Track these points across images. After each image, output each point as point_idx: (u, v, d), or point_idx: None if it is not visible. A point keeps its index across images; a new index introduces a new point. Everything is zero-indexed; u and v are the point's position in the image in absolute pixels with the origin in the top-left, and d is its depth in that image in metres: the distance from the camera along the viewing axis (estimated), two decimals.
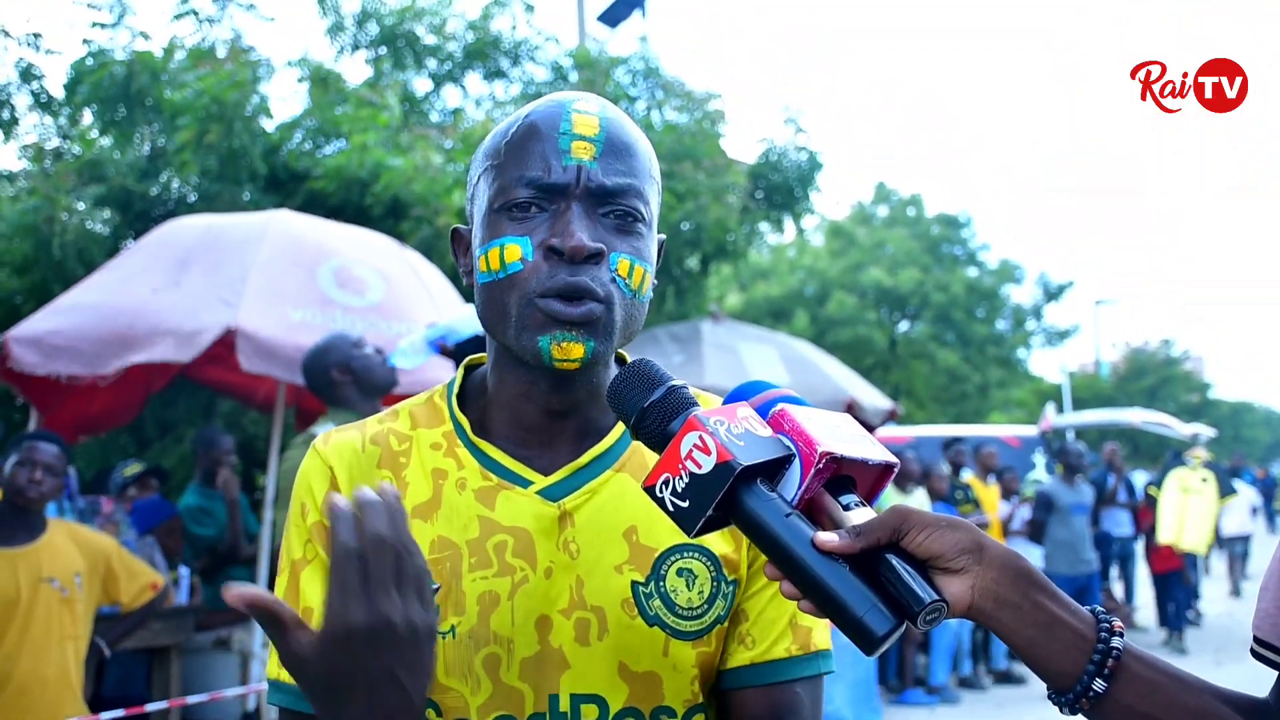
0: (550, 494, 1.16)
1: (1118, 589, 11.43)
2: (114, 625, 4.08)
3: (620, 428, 1.21)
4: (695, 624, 1.16)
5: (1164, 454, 18.07)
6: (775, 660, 1.19)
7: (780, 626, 1.19)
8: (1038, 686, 8.35)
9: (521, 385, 1.18)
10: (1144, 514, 10.67)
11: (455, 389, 1.24)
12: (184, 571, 5.35)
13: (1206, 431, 17.58)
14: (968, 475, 9.49)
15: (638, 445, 1.19)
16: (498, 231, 1.13)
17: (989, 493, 9.43)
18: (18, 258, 7.29)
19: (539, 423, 1.19)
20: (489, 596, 1.13)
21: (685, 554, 1.17)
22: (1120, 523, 10.59)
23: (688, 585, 1.16)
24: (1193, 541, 10.20)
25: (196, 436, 6.20)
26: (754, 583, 1.20)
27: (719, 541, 1.18)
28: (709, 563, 1.17)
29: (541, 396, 1.18)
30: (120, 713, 4.08)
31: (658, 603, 1.15)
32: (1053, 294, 25.43)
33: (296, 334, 4.66)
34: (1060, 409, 17.88)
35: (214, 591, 5.70)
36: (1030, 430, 14.11)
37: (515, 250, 1.12)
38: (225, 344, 4.60)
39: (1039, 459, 12.64)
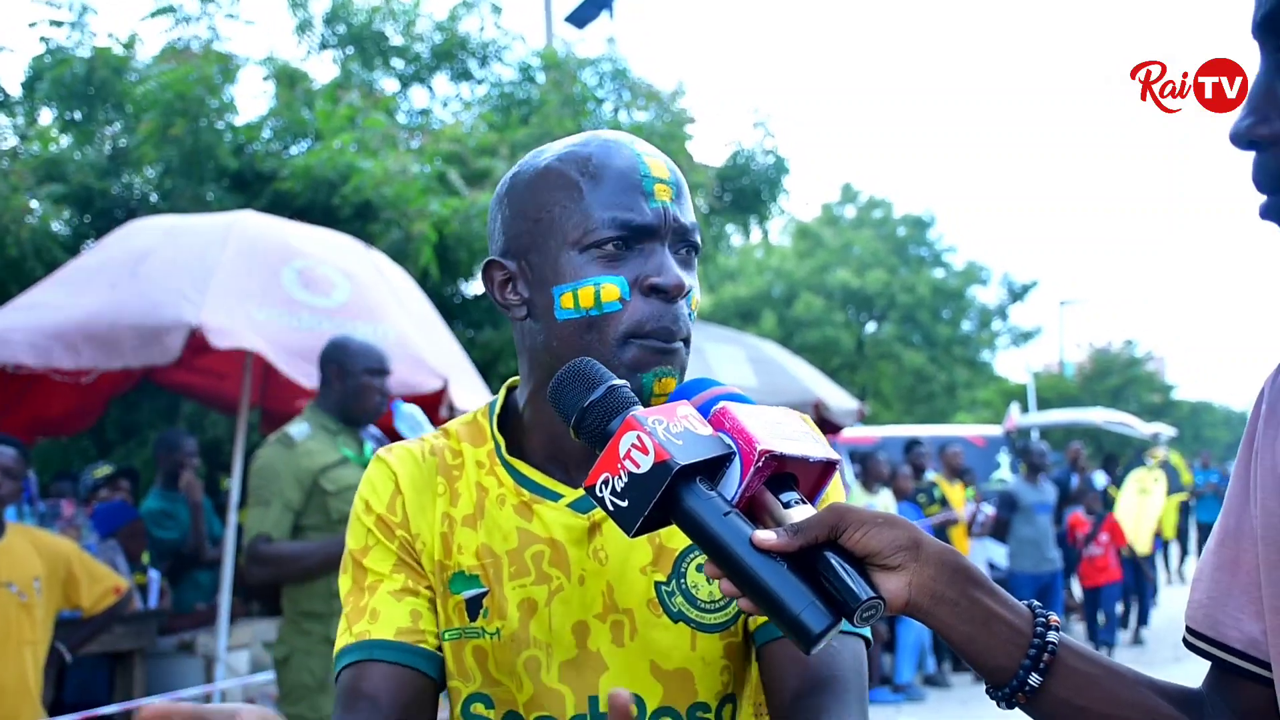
0: (579, 506, 1.21)
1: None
2: (75, 630, 4.03)
3: None
4: (719, 616, 1.20)
5: (1126, 453, 18.29)
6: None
7: None
8: None
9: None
10: (1078, 523, 9.98)
11: (497, 410, 1.30)
12: (153, 575, 5.30)
13: (1167, 431, 17.80)
14: (933, 475, 9.56)
15: None
16: (588, 271, 1.17)
17: (956, 492, 9.50)
18: None
19: (576, 449, 1.22)
20: (528, 603, 1.20)
21: None
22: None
23: (708, 580, 1.20)
24: (1142, 541, 10.38)
25: (159, 439, 6.14)
26: None
27: None
28: None
29: None
30: (77, 716, 4.03)
31: (680, 599, 1.20)
32: (1017, 294, 25.63)
33: (262, 332, 4.62)
34: (1025, 409, 18.05)
35: (178, 595, 5.66)
36: (995, 430, 14.24)
37: (613, 290, 1.16)
38: (190, 346, 4.56)
39: (1004, 458, 12.77)
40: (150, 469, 6.66)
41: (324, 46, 10.09)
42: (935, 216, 25.16)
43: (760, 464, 1.00)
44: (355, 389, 3.78)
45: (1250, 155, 0.91)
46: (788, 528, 0.99)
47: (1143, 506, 10.64)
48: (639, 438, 0.99)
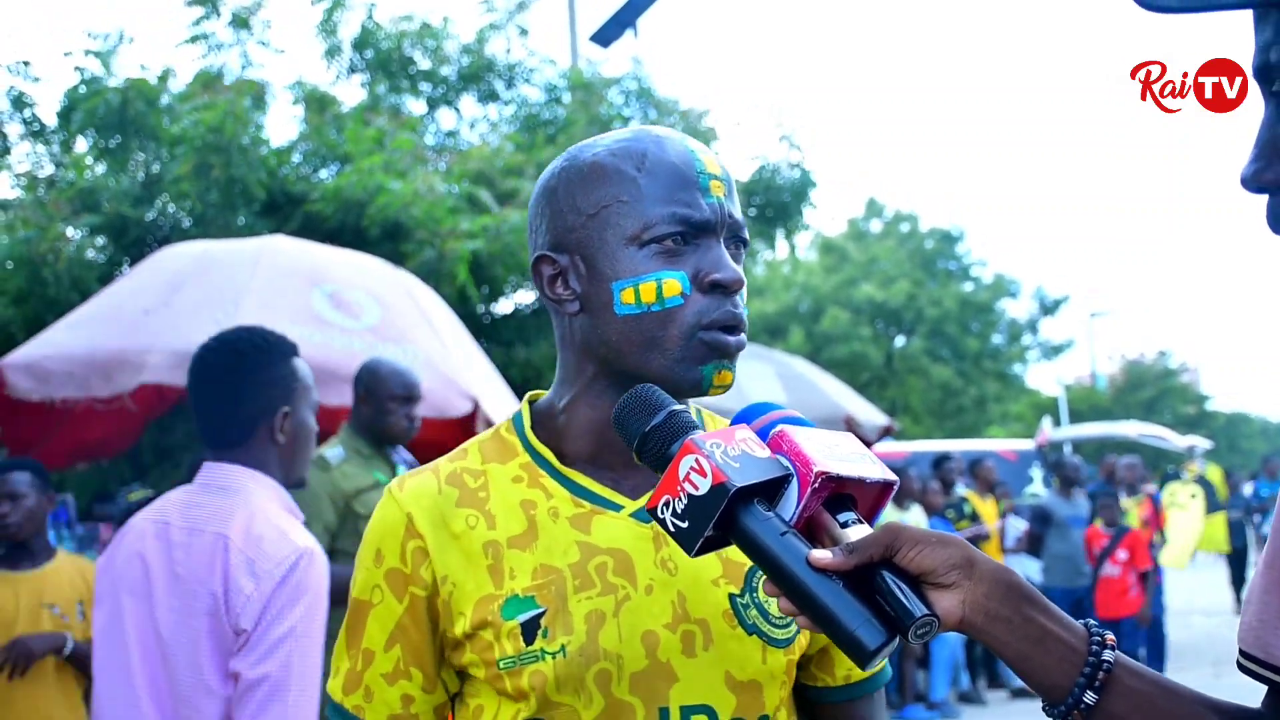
0: (642, 516, 1.21)
1: None
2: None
3: None
4: (785, 632, 1.23)
5: (1162, 466, 18.07)
6: (859, 680, 1.31)
7: None
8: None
9: None
10: (1094, 537, 8.66)
11: (527, 422, 1.29)
12: None
13: (1203, 443, 17.60)
14: (964, 490, 9.49)
15: None
16: (648, 266, 1.18)
17: (987, 506, 9.43)
18: (12, 288, 7.29)
19: (624, 449, 1.20)
20: (595, 615, 1.18)
21: None
22: None
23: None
24: (1171, 557, 10.13)
25: (191, 463, 6.19)
26: None
27: None
28: None
29: None
30: None
31: (754, 612, 1.21)
32: (1048, 308, 25.48)
33: None
34: (1057, 422, 17.92)
35: None
36: (1027, 444, 14.13)
37: (675, 285, 1.17)
38: None
39: (1036, 473, 12.66)
40: None
41: (352, 71, 10.19)
42: (964, 231, 25.09)
43: (817, 485, 1.03)
44: (381, 413, 3.82)
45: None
46: (843, 547, 1.01)
47: (1175, 522, 10.46)
48: (697, 461, 1.02)
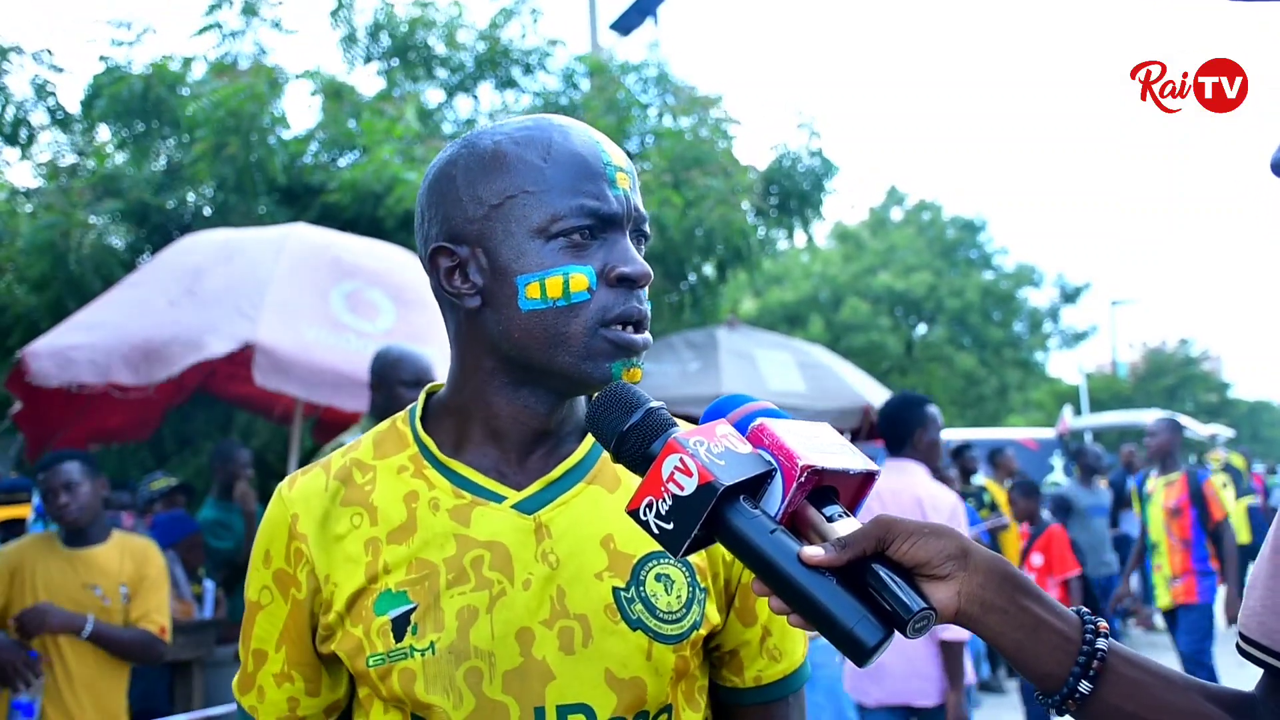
0: (524, 507, 1.18)
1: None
2: (120, 629, 4.11)
3: (589, 442, 1.24)
4: (675, 628, 1.18)
5: (1183, 455, 17.96)
6: (771, 682, 1.28)
7: (769, 650, 1.28)
8: None
9: (516, 407, 1.20)
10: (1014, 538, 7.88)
11: (418, 413, 1.26)
12: (209, 585, 5.37)
13: (1225, 432, 17.46)
14: (984, 479, 9.44)
15: (607, 458, 1.22)
16: (555, 260, 1.14)
17: (1006, 495, 9.38)
18: (36, 275, 7.34)
19: (524, 442, 1.21)
20: (467, 611, 1.15)
21: (662, 560, 1.20)
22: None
23: (666, 590, 1.19)
24: None
25: (214, 450, 6.23)
26: (739, 618, 1.27)
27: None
28: (684, 569, 1.21)
29: (539, 418, 1.21)
30: None
31: (640, 607, 1.17)
32: (1069, 296, 25.34)
33: (311, 351, 4.67)
34: (1078, 411, 17.81)
35: (234, 605, 5.73)
36: (1048, 433, 14.06)
37: (582, 280, 1.14)
38: (243, 358, 4.63)
39: (1057, 461, 12.60)
40: (203, 479, 6.76)
41: (369, 59, 10.20)
42: (986, 220, 24.95)
43: (803, 479, 1.01)
44: (392, 399, 3.83)
45: None
46: (835, 542, 0.99)
47: None
48: (682, 460, 0.99)
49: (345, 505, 1.21)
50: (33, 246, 7.25)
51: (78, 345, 4.72)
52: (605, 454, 1.21)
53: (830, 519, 1.02)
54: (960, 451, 9.64)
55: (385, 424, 1.28)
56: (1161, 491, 6.99)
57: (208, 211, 8.12)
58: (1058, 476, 12.10)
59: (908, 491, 4.14)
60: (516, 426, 1.20)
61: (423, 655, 1.14)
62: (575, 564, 1.17)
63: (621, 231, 1.17)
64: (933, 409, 4.30)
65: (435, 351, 4.97)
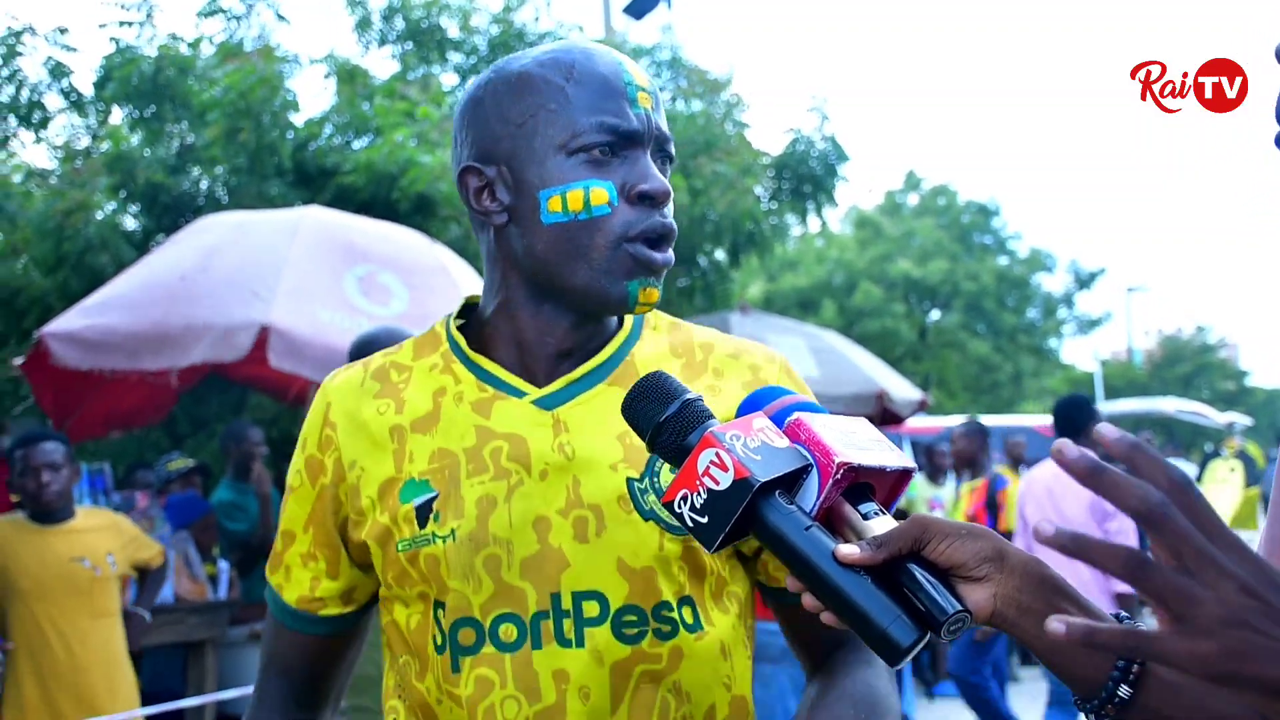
0: (544, 403, 1.22)
1: None
2: (143, 594, 4.27)
3: (614, 345, 1.26)
4: None
5: (1199, 443, 17.89)
6: None
7: None
8: None
9: (541, 323, 1.23)
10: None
11: (453, 315, 1.31)
12: (223, 566, 5.40)
13: (1242, 420, 17.39)
14: (998, 466, 9.42)
15: (631, 360, 1.26)
16: (576, 174, 1.16)
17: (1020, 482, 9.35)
18: (49, 257, 7.37)
19: (546, 357, 1.24)
20: (486, 500, 1.18)
21: None
22: None
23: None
24: None
25: (225, 431, 6.25)
26: None
27: None
28: None
29: (560, 335, 1.24)
30: (165, 707, 4.20)
31: (652, 498, 1.19)
32: (1084, 282, 25.22)
33: (326, 334, 4.68)
34: (1093, 398, 17.73)
35: (248, 586, 5.76)
36: None
37: (602, 194, 1.16)
38: (260, 341, 4.64)
39: None
40: (218, 461, 6.79)
41: (382, 42, 10.19)
42: (1000, 205, 24.83)
43: (839, 476, 1.00)
44: None
45: None
46: (870, 541, 0.98)
47: (1212, 497, 10.35)
48: (718, 455, 0.99)
49: (378, 398, 1.26)
50: (45, 228, 7.27)
51: (94, 326, 4.73)
52: (630, 356, 1.26)
53: (866, 517, 1.01)
54: None
55: (425, 330, 1.33)
56: (966, 498, 6.99)
57: (220, 194, 8.13)
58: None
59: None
60: (540, 342, 1.24)
61: (444, 541, 1.18)
62: (590, 455, 1.19)
63: (643, 149, 1.19)
64: (1099, 409, 4.66)
65: None
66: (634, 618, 1.17)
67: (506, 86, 1.21)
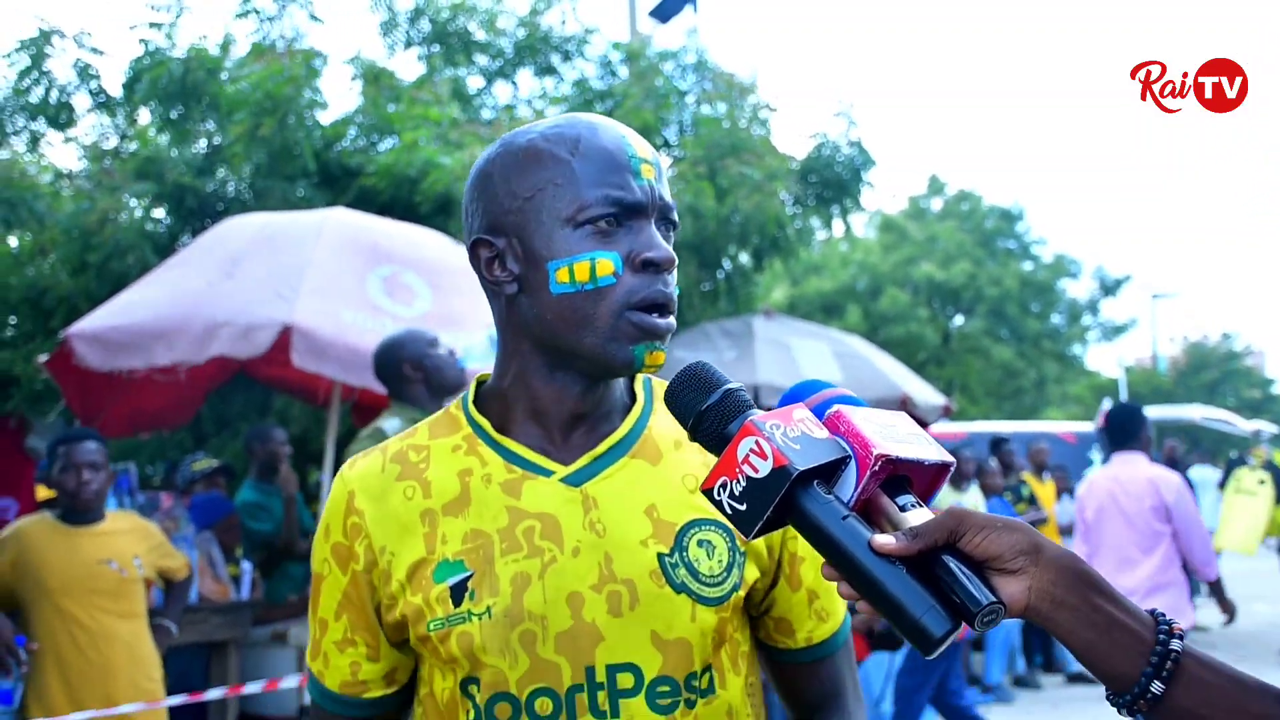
0: (572, 480, 1.26)
1: None
2: (170, 605, 4.28)
3: (632, 418, 1.32)
4: (717, 590, 1.25)
5: (1224, 450, 17.71)
6: (823, 640, 1.36)
7: (816, 612, 1.36)
8: (1098, 688, 8.20)
9: (554, 390, 1.27)
10: None
11: (470, 398, 1.34)
12: (246, 567, 5.41)
13: (1268, 428, 17.21)
14: (1022, 473, 9.35)
15: (649, 434, 1.31)
16: (582, 246, 1.21)
17: (1044, 489, 9.30)
18: (75, 258, 7.41)
19: (563, 423, 1.28)
20: (521, 577, 1.22)
21: (704, 527, 1.26)
22: None
23: (708, 555, 1.25)
24: (1234, 541, 9.85)
25: (250, 432, 6.26)
26: (788, 584, 1.34)
27: None
28: (725, 534, 1.27)
29: (574, 400, 1.28)
30: (183, 698, 4.22)
31: (683, 571, 1.23)
32: (1109, 288, 25.04)
33: (348, 334, 4.69)
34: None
35: (270, 587, 5.77)
36: (1087, 426, 13.89)
37: (608, 265, 1.21)
38: (283, 341, 4.65)
39: (1096, 455, 12.45)
40: (242, 461, 6.80)
41: (409, 44, 10.21)
42: (1024, 210, 24.70)
43: (876, 468, 1.01)
44: (436, 364, 3.87)
45: None
46: (906, 532, 1.00)
47: (1239, 506, 10.18)
48: (757, 443, 1.01)
49: (400, 480, 1.29)
50: (72, 229, 7.32)
51: (118, 327, 4.76)
52: (648, 429, 1.31)
53: (903, 508, 1.02)
54: (998, 444, 9.54)
55: (440, 413, 1.36)
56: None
57: (246, 195, 8.17)
58: (1096, 470, 11.96)
59: (1142, 475, 5.12)
60: (556, 407, 1.28)
61: (479, 619, 1.21)
62: (621, 532, 1.24)
63: (647, 219, 1.24)
64: (1147, 415, 5.45)
65: (470, 336, 4.98)
66: (667, 688, 1.22)
67: (514, 160, 1.25)
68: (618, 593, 1.21)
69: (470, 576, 1.23)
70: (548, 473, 1.26)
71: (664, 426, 1.31)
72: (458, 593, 1.23)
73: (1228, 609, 5.47)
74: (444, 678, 1.26)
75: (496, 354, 1.32)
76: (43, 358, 5.50)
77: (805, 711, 1.38)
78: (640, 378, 1.35)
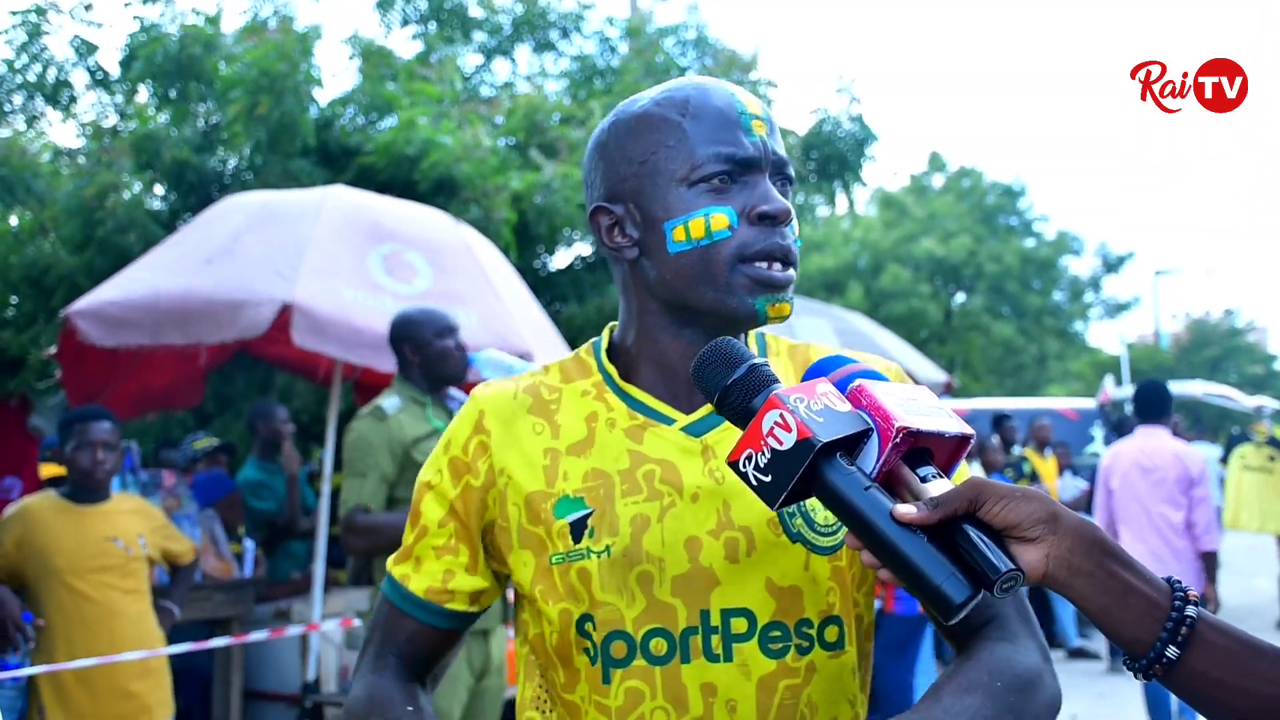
0: (692, 430, 1.28)
1: None
2: (174, 587, 4.28)
3: None
4: (830, 540, 1.26)
5: (1226, 426, 17.70)
6: None
7: None
8: (1098, 663, 8.26)
9: (682, 346, 1.29)
10: None
11: (604, 345, 1.37)
12: (249, 545, 5.43)
13: (1271, 404, 17.19)
14: (1023, 449, 9.36)
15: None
16: (697, 203, 1.23)
17: (1046, 465, 9.31)
18: (76, 236, 7.40)
19: (685, 381, 1.30)
20: (640, 519, 1.24)
21: None
22: None
23: (822, 505, 1.25)
24: (1253, 521, 9.74)
25: (252, 410, 6.27)
26: None
27: None
28: None
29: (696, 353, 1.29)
30: (189, 645, 4.36)
31: (799, 521, 1.25)
32: (1112, 265, 24.99)
33: (349, 312, 4.68)
34: (1119, 381, 17.59)
35: (273, 565, 5.79)
36: (1089, 403, 13.89)
37: (722, 219, 1.23)
38: (283, 320, 4.64)
39: (1097, 432, 12.45)
40: (244, 440, 6.81)
41: (405, 22, 10.15)
42: (1026, 186, 24.61)
43: (898, 440, 1.04)
44: (435, 355, 3.86)
45: None
46: (927, 501, 1.02)
47: (1250, 483, 10.08)
48: (782, 416, 1.03)
49: (531, 414, 1.32)
50: (72, 208, 7.30)
51: (118, 302, 4.75)
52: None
53: (924, 479, 1.05)
54: (1000, 421, 9.55)
55: (570, 355, 1.40)
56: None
57: (245, 173, 8.14)
58: (1098, 447, 11.95)
59: (1167, 448, 5.42)
60: (682, 363, 1.29)
61: (598, 557, 1.24)
62: (738, 481, 1.22)
63: (761, 174, 1.25)
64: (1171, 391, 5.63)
65: (473, 313, 4.97)
66: (778, 633, 1.24)
67: (627, 128, 1.29)
68: (735, 539, 1.23)
69: (590, 514, 1.25)
70: (670, 421, 1.28)
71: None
72: (578, 529, 1.25)
73: (1211, 581, 5.57)
74: (554, 618, 1.26)
75: (620, 314, 1.34)
76: (51, 350, 5.50)
77: (965, 639, 1.31)
78: (753, 334, 1.36)
